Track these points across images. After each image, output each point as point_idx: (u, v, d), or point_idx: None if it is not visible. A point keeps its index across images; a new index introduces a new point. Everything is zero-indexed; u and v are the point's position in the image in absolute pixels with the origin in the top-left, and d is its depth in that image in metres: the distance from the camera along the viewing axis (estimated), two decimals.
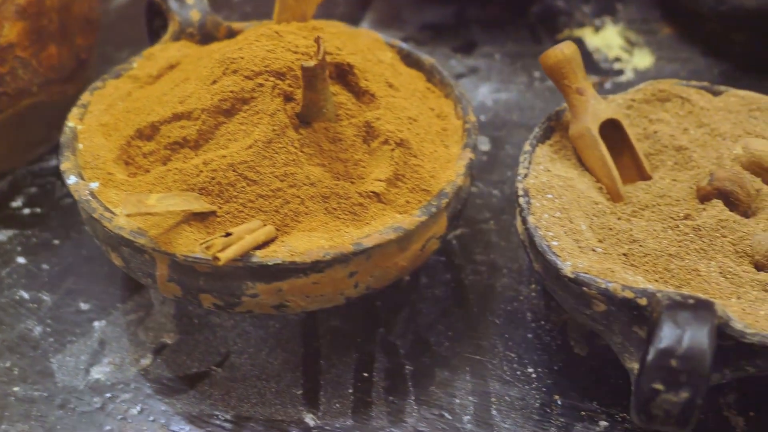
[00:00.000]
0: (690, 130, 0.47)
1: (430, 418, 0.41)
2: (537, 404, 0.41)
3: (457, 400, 0.41)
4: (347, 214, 0.40)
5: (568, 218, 0.41)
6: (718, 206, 0.41)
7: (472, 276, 0.47)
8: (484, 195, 0.52)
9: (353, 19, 0.67)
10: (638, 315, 0.36)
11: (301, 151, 0.40)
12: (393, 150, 0.41)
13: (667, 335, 0.33)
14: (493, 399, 0.41)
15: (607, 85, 0.61)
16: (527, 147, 0.45)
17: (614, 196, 0.44)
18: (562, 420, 0.40)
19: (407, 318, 0.45)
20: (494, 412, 0.41)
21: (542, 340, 0.44)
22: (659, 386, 0.32)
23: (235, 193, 0.39)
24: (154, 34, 0.53)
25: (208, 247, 0.35)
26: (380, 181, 0.41)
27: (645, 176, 0.45)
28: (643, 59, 0.64)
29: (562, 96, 0.45)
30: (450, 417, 0.41)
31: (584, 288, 0.37)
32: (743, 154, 0.44)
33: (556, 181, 0.43)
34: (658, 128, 0.46)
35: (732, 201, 0.41)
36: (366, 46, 0.48)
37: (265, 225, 0.39)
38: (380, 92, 0.44)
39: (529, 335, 0.44)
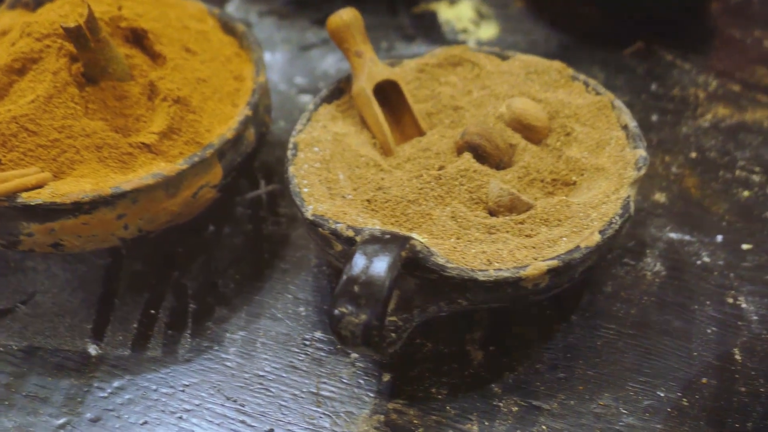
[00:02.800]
0: (474, 91, 0.50)
1: (200, 349, 0.45)
2: (299, 338, 0.45)
3: (228, 335, 0.45)
4: (117, 162, 0.44)
5: (327, 168, 0.45)
6: (466, 158, 0.44)
7: (272, 227, 0.51)
8: None
9: None
10: None
11: (85, 107, 0.45)
12: (170, 106, 0.45)
13: (355, 264, 0.37)
14: (260, 334, 0.45)
15: None
16: (311, 106, 0.49)
17: (386, 150, 0.47)
18: (318, 352, 0.44)
19: (202, 263, 0.49)
20: (258, 345, 0.45)
21: (320, 282, 0.48)
22: (344, 309, 0.36)
23: (17, 143, 0.43)
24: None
25: None
26: (153, 133, 0.45)
27: (422, 133, 0.48)
28: (488, 31, 0.67)
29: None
30: (218, 348, 0.45)
31: (320, 229, 0.41)
32: (506, 112, 0.47)
33: (326, 136, 0.47)
34: (442, 90, 0.50)
35: (480, 154, 0.45)
36: (177, 15, 0.52)
37: (43, 171, 0.43)
38: (173, 55, 0.48)
39: (309, 278, 0.48)
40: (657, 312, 0.45)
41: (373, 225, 0.41)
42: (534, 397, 0.42)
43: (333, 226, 0.41)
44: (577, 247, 0.40)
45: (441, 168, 0.45)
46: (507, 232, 0.42)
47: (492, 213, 0.43)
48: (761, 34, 0.66)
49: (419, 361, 0.44)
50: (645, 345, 0.44)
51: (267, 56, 0.65)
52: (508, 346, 0.44)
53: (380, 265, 0.36)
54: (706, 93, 0.60)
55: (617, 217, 0.41)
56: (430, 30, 0.67)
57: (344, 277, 0.37)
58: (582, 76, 0.50)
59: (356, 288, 0.36)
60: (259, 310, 0.47)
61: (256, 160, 0.54)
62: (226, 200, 0.52)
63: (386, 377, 0.43)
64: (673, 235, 0.50)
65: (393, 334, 0.39)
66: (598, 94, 0.49)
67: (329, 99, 0.50)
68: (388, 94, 0.49)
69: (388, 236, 0.38)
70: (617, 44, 0.65)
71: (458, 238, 0.41)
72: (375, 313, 0.36)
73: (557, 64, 0.51)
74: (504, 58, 0.52)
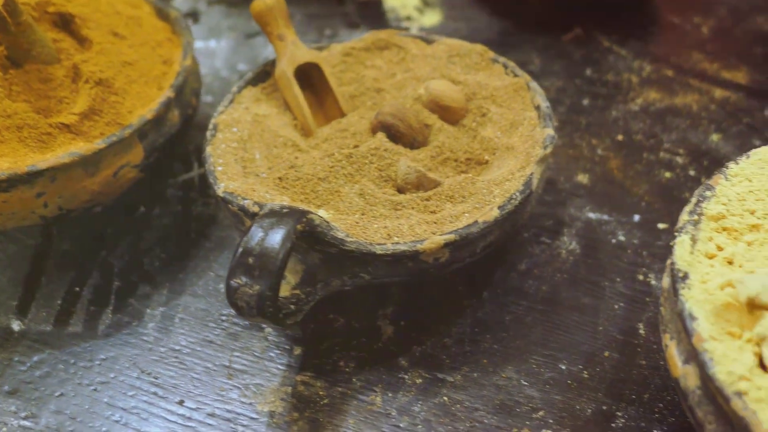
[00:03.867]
0: (398, 74, 0.51)
1: (119, 324, 0.46)
2: (216, 314, 0.46)
3: (149, 310, 0.47)
4: (36, 142, 0.45)
5: (243, 148, 0.46)
6: (379, 137, 0.45)
7: (201, 208, 0.52)
8: None
9: None
10: None
11: (8, 89, 0.46)
12: (92, 88, 0.47)
13: (251, 237, 0.38)
14: (180, 309, 0.47)
15: None
16: (234, 89, 0.50)
17: (306, 131, 0.48)
18: (233, 326, 0.45)
19: (130, 243, 0.50)
20: (176, 320, 0.46)
21: None
22: (239, 280, 0.37)
23: None
24: None
25: None
26: (74, 114, 0.46)
27: (343, 115, 0.49)
28: (431, 18, 0.68)
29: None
30: (137, 323, 0.46)
31: (229, 205, 0.42)
32: (424, 93, 0.48)
33: (246, 117, 0.48)
34: (366, 73, 0.51)
35: (393, 133, 0.46)
36: (109, 0, 0.53)
37: None
38: (99, 39, 0.49)
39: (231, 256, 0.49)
40: (568, 289, 0.46)
41: (282, 201, 0.42)
42: (438, 370, 0.43)
43: (241, 203, 0.42)
44: (475, 222, 0.41)
45: (356, 147, 0.46)
46: (412, 208, 0.43)
47: (400, 190, 0.44)
48: (701, 20, 0.67)
49: (330, 335, 0.45)
50: (553, 320, 0.45)
51: (212, 44, 0.66)
52: (419, 322, 0.45)
53: (275, 238, 0.37)
54: (639, 78, 0.61)
55: (518, 194, 0.42)
56: (375, 18, 0.68)
57: (240, 249, 0.38)
58: (502, 59, 0.51)
59: (251, 260, 0.37)
60: (181, 288, 0.48)
61: (190, 144, 0.56)
62: (158, 182, 0.53)
63: (297, 351, 0.44)
64: (591, 215, 0.50)
65: (292, 306, 0.40)
66: (515, 76, 0.50)
67: (254, 82, 0.51)
68: (313, 77, 0.50)
69: (286, 210, 0.39)
70: (558, 31, 0.66)
71: (363, 214, 0.42)
72: (268, 283, 0.37)
73: (479, 48, 0.51)
74: (429, 42, 0.53)
